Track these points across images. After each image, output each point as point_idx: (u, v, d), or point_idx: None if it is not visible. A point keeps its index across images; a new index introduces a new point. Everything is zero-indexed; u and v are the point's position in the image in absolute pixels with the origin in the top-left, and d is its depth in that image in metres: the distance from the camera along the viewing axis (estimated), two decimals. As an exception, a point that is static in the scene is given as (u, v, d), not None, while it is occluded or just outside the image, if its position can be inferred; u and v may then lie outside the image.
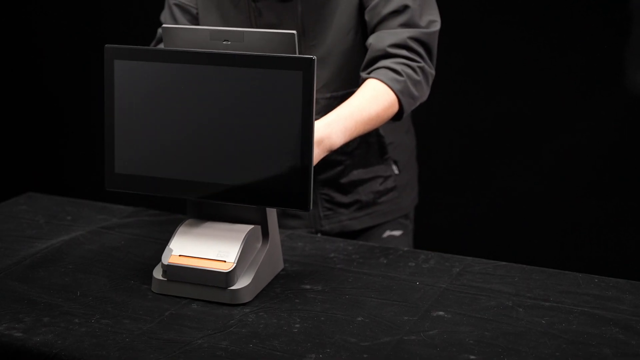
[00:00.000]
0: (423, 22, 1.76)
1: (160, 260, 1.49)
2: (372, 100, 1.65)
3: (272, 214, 1.52)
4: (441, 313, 1.42)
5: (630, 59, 2.54)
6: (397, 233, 2.02)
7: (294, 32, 1.42)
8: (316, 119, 1.72)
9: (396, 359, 1.27)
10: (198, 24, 1.89)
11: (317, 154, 1.52)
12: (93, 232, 1.76)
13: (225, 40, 1.46)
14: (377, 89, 1.67)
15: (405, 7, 1.75)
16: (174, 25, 1.50)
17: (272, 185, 1.43)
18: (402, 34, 1.73)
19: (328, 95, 1.84)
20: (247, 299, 1.45)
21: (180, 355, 1.28)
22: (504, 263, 1.65)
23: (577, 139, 2.66)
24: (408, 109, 1.72)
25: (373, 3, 1.77)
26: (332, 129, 1.57)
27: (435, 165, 2.22)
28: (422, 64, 1.74)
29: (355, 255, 1.66)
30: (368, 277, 1.56)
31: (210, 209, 1.52)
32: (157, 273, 1.50)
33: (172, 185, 1.49)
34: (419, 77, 1.72)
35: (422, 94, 1.75)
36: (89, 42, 3.14)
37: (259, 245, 1.51)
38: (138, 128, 1.49)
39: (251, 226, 1.49)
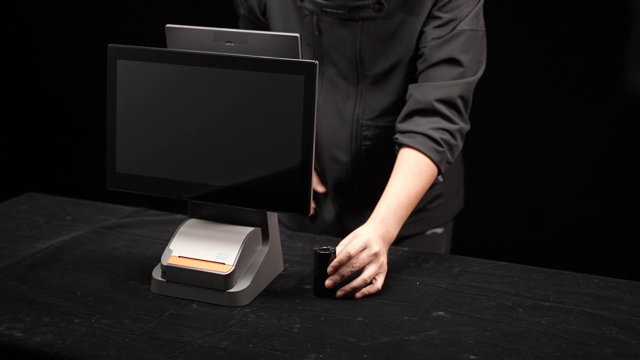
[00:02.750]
0: (472, 71, 1.77)
1: (160, 260, 1.49)
2: (416, 179, 1.67)
3: (272, 216, 1.52)
4: (441, 313, 1.42)
5: (630, 59, 2.54)
6: (439, 230, 2.00)
7: (297, 35, 1.42)
8: (365, 147, 1.86)
9: (396, 359, 1.27)
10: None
11: (383, 250, 1.54)
12: (93, 232, 1.76)
13: (228, 42, 1.46)
14: (419, 164, 1.69)
15: (458, 62, 1.74)
16: (177, 25, 1.50)
17: (273, 189, 1.43)
18: (453, 90, 1.73)
19: (383, 124, 1.85)
20: (245, 301, 1.45)
21: (180, 355, 1.28)
22: (504, 263, 1.65)
23: (577, 138, 2.66)
24: (444, 173, 1.80)
25: (429, 45, 1.75)
26: (387, 224, 1.59)
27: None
28: (460, 125, 1.73)
29: (355, 255, 1.66)
30: (368, 277, 1.56)
31: (210, 210, 1.52)
32: (157, 274, 1.50)
33: (172, 186, 1.49)
34: (456, 142, 1.73)
35: (457, 154, 1.77)
36: (91, 41, 3.14)
37: (259, 247, 1.51)
38: (140, 128, 1.49)
39: (251, 228, 1.49)
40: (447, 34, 1.74)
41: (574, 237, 2.74)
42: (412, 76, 1.81)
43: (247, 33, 1.44)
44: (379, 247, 1.53)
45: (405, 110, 1.76)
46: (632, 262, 2.63)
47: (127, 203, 1.95)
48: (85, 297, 1.47)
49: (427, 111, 1.72)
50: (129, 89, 1.48)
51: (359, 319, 1.40)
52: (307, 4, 1.79)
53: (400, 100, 1.83)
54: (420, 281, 1.55)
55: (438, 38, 1.74)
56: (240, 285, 1.45)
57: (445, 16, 1.74)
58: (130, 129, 1.49)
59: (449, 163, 1.74)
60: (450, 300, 1.47)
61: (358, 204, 1.93)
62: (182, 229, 1.51)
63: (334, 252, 1.48)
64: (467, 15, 1.76)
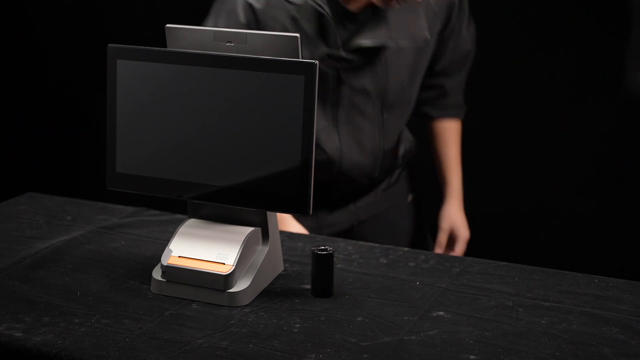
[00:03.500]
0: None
1: (160, 260, 1.49)
2: (460, 142, 2.23)
3: (272, 216, 1.52)
4: (441, 313, 1.42)
5: (630, 59, 2.54)
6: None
7: (297, 35, 1.42)
8: (386, 168, 2.11)
9: (396, 359, 1.27)
10: None
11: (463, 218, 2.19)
12: (93, 232, 1.76)
13: (228, 42, 1.46)
14: (460, 130, 2.23)
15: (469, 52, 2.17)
16: (177, 25, 1.50)
17: (273, 189, 1.43)
18: (463, 78, 2.19)
19: (402, 147, 2.13)
20: (245, 301, 1.45)
21: (180, 355, 1.28)
22: (504, 263, 1.65)
23: (577, 138, 2.66)
24: None
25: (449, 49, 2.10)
26: (460, 190, 2.22)
27: (434, 165, 2.24)
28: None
29: (355, 255, 1.66)
30: (368, 277, 1.56)
31: (210, 210, 1.52)
32: (157, 274, 1.50)
33: (172, 186, 1.49)
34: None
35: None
36: (91, 41, 3.14)
37: (259, 247, 1.51)
38: (140, 128, 1.49)
39: (251, 228, 1.49)
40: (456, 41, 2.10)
41: (574, 237, 2.74)
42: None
43: (247, 33, 1.44)
44: (467, 232, 2.18)
45: (427, 95, 2.16)
46: (632, 262, 2.63)
47: (127, 203, 1.95)
48: (85, 297, 1.47)
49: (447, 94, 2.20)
50: (129, 89, 1.48)
51: (359, 319, 1.40)
52: (331, 62, 1.89)
53: (409, 113, 2.11)
54: (420, 281, 1.55)
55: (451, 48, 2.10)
56: (240, 285, 1.45)
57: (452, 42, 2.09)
58: (130, 129, 1.49)
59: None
60: (450, 300, 1.47)
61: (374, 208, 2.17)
62: (182, 229, 1.51)
63: (333, 253, 1.48)
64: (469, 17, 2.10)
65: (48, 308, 1.42)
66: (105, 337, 1.33)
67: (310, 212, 1.43)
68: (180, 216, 1.84)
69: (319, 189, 2.02)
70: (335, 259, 1.56)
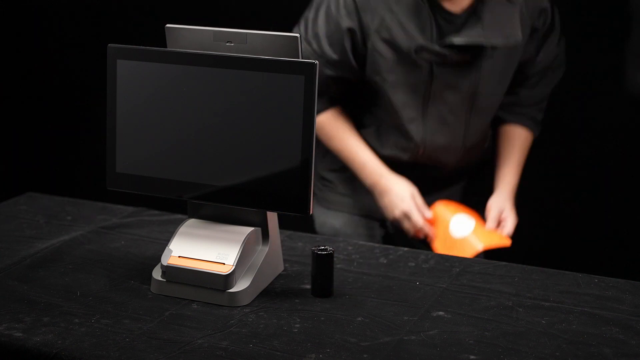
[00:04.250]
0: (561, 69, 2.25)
1: (160, 260, 1.49)
2: (526, 152, 2.21)
3: (272, 216, 1.52)
4: (441, 313, 1.42)
5: (630, 59, 2.54)
6: None
7: (298, 35, 1.42)
8: (467, 163, 2.19)
9: (396, 359, 1.27)
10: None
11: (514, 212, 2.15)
12: (93, 232, 1.76)
13: (228, 42, 1.46)
14: (529, 141, 2.21)
15: (555, 60, 2.21)
16: (177, 25, 1.50)
17: (273, 189, 1.43)
18: (544, 92, 2.22)
19: (482, 139, 2.17)
20: (245, 301, 1.45)
21: (180, 355, 1.28)
22: (504, 263, 1.65)
23: (577, 138, 2.66)
24: None
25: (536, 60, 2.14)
26: (515, 189, 2.20)
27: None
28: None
29: (355, 255, 1.66)
30: (368, 277, 1.56)
31: (210, 210, 1.52)
32: (157, 274, 1.50)
33: (172, 186, 1.49)
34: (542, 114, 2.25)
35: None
36: (91, 41, 3.14)
37: (259, 247, 1.51)
38: (140, 128, 1.49)
39: (251, 228, 1.49)
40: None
41: (574, 237, 2.74)
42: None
43: (247, 33, 1.44)
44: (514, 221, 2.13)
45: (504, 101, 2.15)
46: (632, 262, 2.63)
47: (127, 203, 1.95)
48: (85, 297, 1.47)
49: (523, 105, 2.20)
50: (129, 89, 1.48)
51: (359, 319, 1.40)
52: (426, 56, 1.92)
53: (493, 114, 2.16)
54: (420, 281, 1.55)
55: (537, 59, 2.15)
56: (240, 285, 1.45)
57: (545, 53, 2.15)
58: (130, 129, 1.49)
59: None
60: (450, 300, 1.47)
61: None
62: (182, 229, 1.51)
63: (333, 253, 1.49)
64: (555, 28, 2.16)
65: (48, 308, 1.42)
66: (105, 337, 1.33)
67: (311, 212, 1.43)
68: (180, 216, 1.84)
69: (407, 168, 2.10)
70: (335, 259, 1.56)
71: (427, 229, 2.04)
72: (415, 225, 2.03)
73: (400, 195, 2.02)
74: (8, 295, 1.47)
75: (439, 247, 1.99)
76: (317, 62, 1.38)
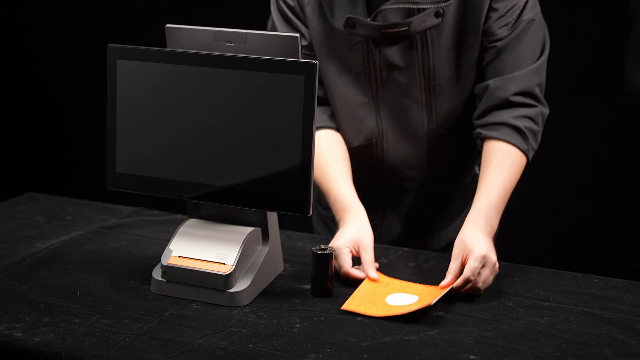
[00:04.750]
0: (543, 52, 1.76)
1: (160, 260, 1.49)
2: (509, 169, 1.70)
3: (272, 216, 1.52)
4: (441, 313, 1.42)
5: (630, 59, 2.54)
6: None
7: (297, 35, 1.41)
8: (441, 154, 1.82)
9: (396, 359, 1.27)
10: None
11: (493, 251, 1.56)
12: (93, 232, 1.76)
13: (228, 42, 1.46)
14: (510, 154, 1.71)
15: (543, 48, 1.75)
16: (177, 25, 1.50)
17: (273, 189, 1.43)
18: (530, 82, 1.73)
19: (458, 127, 1.84)
20: (245, 301, 1.45)
21: (180, 355, 1.28)
22: (504, 263, 1.65)
23: (577, 138, 2.66)
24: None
25: (502, 40, 1.73)
26: (489, 218, 1.62)
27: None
28: (539, 108, 1.74)
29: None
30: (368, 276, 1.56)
31: (210, 210, 1.52)
32: (157, 273, 1.50)
33: (172, 186, 1.49)
34: (538, 127, 1.74)
35: (539, 138, 1.77)
36: (91, 41, 3.14)
37: (259, 247, 1.51)
38: (140, 128, 1.49)
39: (251, 228, 1.49)
40: (514, 24, 1.72)
41: (574, 237, 2.74)
42: (478, 72, 1.79)
43: (247, 33, 1.44)
44: (493, 255, 1.54)
45: (482, 106, 1.76)
46: (632, 262, 2.63)
47: (127, 203, 1.95)
48: (85, 297, 1.47)
49: (506, 104, 1.73)
50: (129, 89, 1.48)
51: (359, 319, 1.40)
52: (359, 30, 1.74)
53: (470, 98, 1.82)
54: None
55: (507, 34, 1.72)
56: (240, 285, 1.45)
57: (503, 5, 1.71)
58: (130, 129, 1.49)
59: (534, 150, 1.75)
60: (451, 300, 1.47)
61: (429, 214, 1.94)
62: (182, 229, 1.51)
63: (332, 253, 1.48)
64: (526, 2, 1.73)
65: (48, 308, 1.42)
66: (105, 337, 1.33)
67: (310, 213, 1.43)
68: (180, 216, 1.84)
69: (366, 192, 1.82)
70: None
71: (351, 274, 1.60)
72: (338, 267, 1.64)
73: (343, 233, 1.65)
74: (8, 295, 1.47)
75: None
76: (316, 62, 1.38)
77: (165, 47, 1.50)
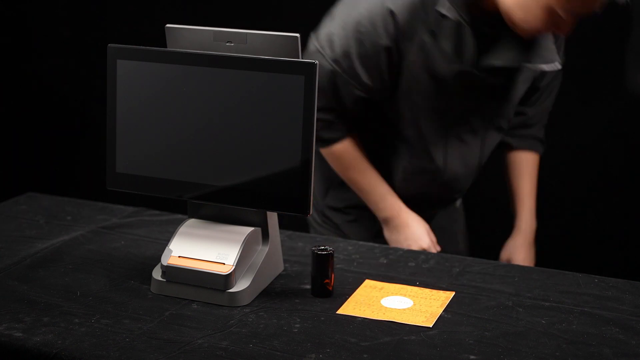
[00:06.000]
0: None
1: (160, 260, 1.49)
2: (535, 178, 2.13)
3: (272, 216, 1.52)
4: (441, 313, 1.42)
5: (630, 59, 2.54)
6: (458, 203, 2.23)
7: (297, 35, 1.41)
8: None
9: (396, 359, 1.27)
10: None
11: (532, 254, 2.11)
12: (93, 232, 1.76)
13: (228, 42, 1.46)
14: (537, 164, 2.14)
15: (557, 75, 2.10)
16: (177, 25, 1.50)
17: (273, 189, 1.43)
18: (548, 109, 2.14)
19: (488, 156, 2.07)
20: (245, 301, 1.45)
21: (180, 355, 1.28)
22: (504, 263, 1.65)
23: (577, 138, 2.66)
24: None
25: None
26: (531, 226, 2.13)
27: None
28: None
29: (355, 255, 1.66)
30: (368, 277, 1.56)
31: (210, 210, 1.52)
32: (157, 274, 1.50)
33: (172, 186, 1.49)
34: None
35: None
36: (91, 41, 3.14)
37: (259, 247, 1.51)
38: (140, 128, 1.49)
39: (251, 228, 1.49)
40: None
41: (574, 237, 2.74)
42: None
43: (247, 33, 1.44)
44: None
45: (520, 122, 2.09)
46: (632, 262, 2.63)
47: (127, 203, 1.95)
48: (85, 297, 1.47)
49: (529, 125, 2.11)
50: (129, 89, 1.48)
51: (359, 319, 1.40)
52: (463, 80, 1.85)
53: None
54: (420, 281, 1.55)
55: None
56: (240, 285, 1.45)
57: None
58: (130, 129, 1.49)
59: None
60: (450, 300, 1.47)
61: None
62: (182, 229, 1.51)
63: (332, 253, 1.48)
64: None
65: (48, 308, 1.42)
66: (105, 337, 1.33)
67: (310, 213, 1.43)
68: (180, 216, 1.84)
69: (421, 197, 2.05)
70: (335, 259, 1.56)
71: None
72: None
73: (418, 232, 1.97)
74: (8, 295, 1.47)
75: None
76: (316, 62, 1.37)
77: (165, 47, 1.50)
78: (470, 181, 2.06)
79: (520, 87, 1.97)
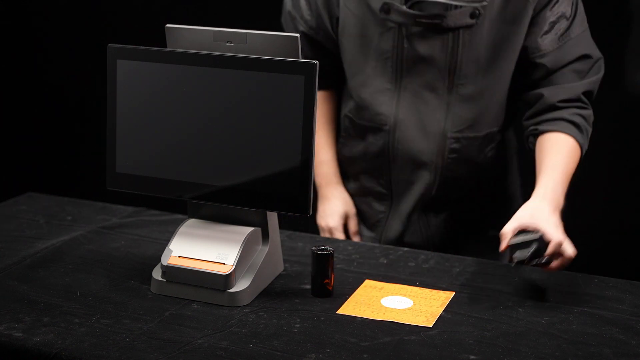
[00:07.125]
0: (597, 69, 1.82)
1: (160, 260, 1.49)
2: (569, 159, 1.74)
3: (272, 216, 1.52)
4: (441, 313, 1.42)
5: (630, 59, 2.54)
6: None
7: (297, 35, 1.41)
8: (450, 160, 1.83)
9: (396, 359, 1.27)
10: (328, 54, 1.91)
11: (557, 220, 1.63)
12: (93, 232, 1.76)
13: (228, 42, 1.46)
14: (568, 144, 1.76)
15: (586, 57, 1.80)
16: (177, 25, 1.50)
17: (273, 189, 1.43)
18: (577, 89, 1.80)
19: (472, 135, 1.84)
20: (245, 301, 1.45)
21: (180, 355, 1.28)
22: (504, 263, 1.65)
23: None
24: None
25: (550, 50, 1.79)
26: (557, 193, 1.66)
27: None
28: (590, 109, 1.83)
29: (355, 255, 1.66)
30: (368, 277, 1.56)
31: (210, 210, 1.52)
32: (157, 274, 1.50)
33: (172, 186, 1.49)
34: (590, 127, 1.82)
35: (589, 139, 1.84)
36: (91, 41, 3.14)
37: (259, 247, 1.51)
38: (140, 128, 1.49)
39: (251, 228, 1.49)
40: (561, 40, 1.79)
41: (574, 237, 2.73)
42: (507, 87, 1.83)
43: (247, 33, 1.44)
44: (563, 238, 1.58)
45: (533, 109, 1.81)
46: (632, 262, 2.63)
47: (127, 203, 1.95)
48: (85, 297, 1.47)
49: (554, 109, 1.79)
50: (129, 89, 1.48)
51: (359, 318, 1.40)
52: (394, 17, 1.75)
53: (495, 112, 1.85)
54: (420, 281, 1.55)
55: (553, 49, 1.78)
56: (240, 285, 1.45)
57: (551, 19, 1.78)
58: (130, 129, 1.49)
59: (586, 149, 1.81)
60: (451, 300, 1.47)
61: (435, 219, 1.94)
62: (182, 229, 1.51)
63: (332, 253, 1.48)
64: (574, 16, 1.80)
65: (48, 308, 1.42)
66: (105, 337, 1.33)
67: (310, 213, 1.43)
68: (180, 216, 1.84)
69: (373, 178, 1.92)
70: (335, 259, 1.56)
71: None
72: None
73: (331, 209, 1.91)
74: (8, 295, 1.47)
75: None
76: (316, 62, 1.38)
77: (165, 47, 1.50)
78: (436, 156, 1.83)
79: (481, 40, 1.76)
